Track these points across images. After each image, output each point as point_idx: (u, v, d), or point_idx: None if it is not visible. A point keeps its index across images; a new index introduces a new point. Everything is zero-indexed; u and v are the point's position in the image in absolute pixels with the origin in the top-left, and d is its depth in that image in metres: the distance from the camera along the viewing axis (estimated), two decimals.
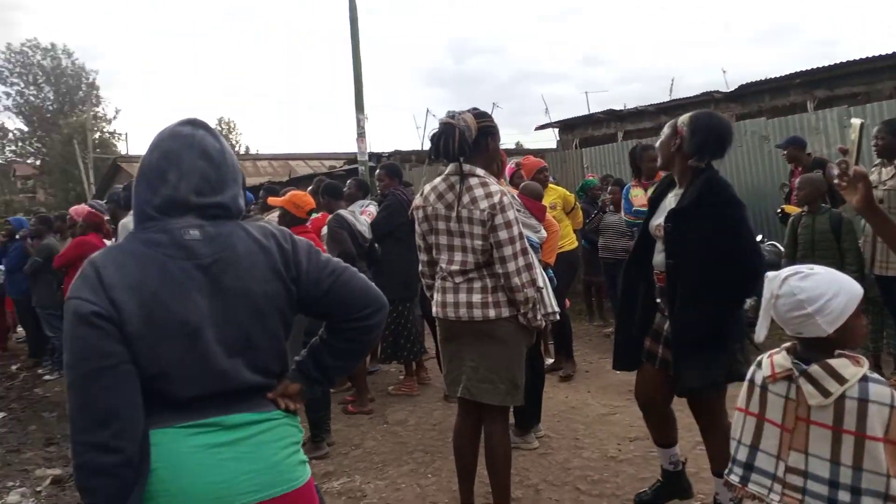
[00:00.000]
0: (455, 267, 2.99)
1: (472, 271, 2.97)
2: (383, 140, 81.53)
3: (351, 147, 13.82)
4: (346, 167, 14.24)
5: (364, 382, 5.36)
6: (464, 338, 3.04)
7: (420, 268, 3.27)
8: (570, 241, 5.85)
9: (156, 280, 1.40)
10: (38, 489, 4.37)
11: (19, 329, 9.49)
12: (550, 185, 5.79)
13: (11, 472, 4.72)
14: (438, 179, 3.07)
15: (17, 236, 8.31)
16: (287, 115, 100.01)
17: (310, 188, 5.78)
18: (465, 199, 2.91)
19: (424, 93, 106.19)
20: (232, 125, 50.27)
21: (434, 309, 3.13)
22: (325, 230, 5.32)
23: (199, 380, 1.43)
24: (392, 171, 5.78)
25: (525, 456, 4.07)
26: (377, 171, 5.61)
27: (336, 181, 5.83)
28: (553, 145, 15.05)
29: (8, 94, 45.13)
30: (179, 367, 1.41)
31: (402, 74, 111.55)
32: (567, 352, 5.88)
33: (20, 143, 48.01)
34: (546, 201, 4.87)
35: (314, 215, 5.33)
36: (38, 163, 46.82)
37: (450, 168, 3.01)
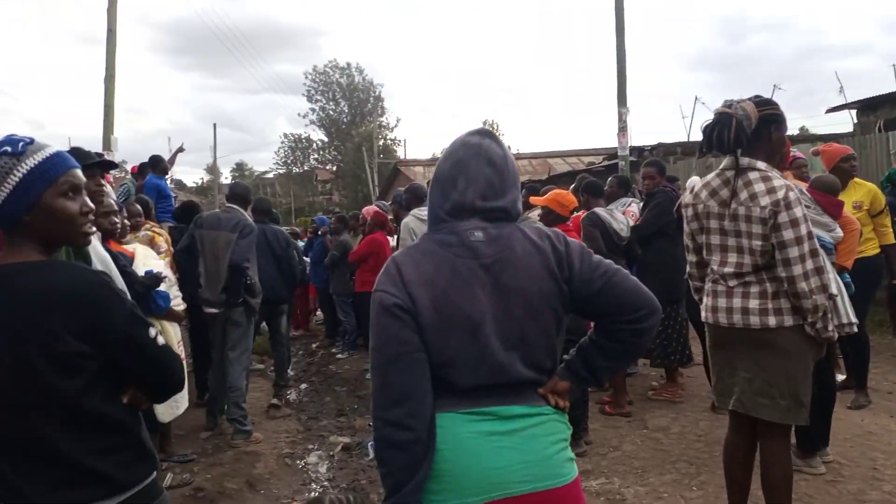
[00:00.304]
0: (728, 269, 2.77)
1: (749, 274, 2.73)
2: (645, 132, 78.22)
3: (610, 142, 13.51)
4: (606, 163, 13.97)
5: (623, 384, 5.24)
6: (737, 346, 2.80)
7: (688, 269, 3.09)
8: (873, 246, 4.98)
9: (446, 277, 1.56)
10: (332, 454, 5.03)
11: (318, 312, 11.06)
12: (856, 180, 4.99)
13: (310, 437, 5.51)
14: (712, 175, 2.87)
15: (320, 232, 9.68)
16: (546, 111, 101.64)
17: (573, 185, 5.80)
18: (743, 195, 2.68)
19: (691, 79, 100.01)
20: (495, 126, 52.68)
21: (703, 314, 2.93)
22: None
23: (479, 370, 1.56)
24: (661, 168, 5.58)
25: (808, 481, 3.62)
26: (642, 168, 5.43)
27: (596, 179, 5.76)
28: (848, 129, 13.07)
29: (313, 110, 52.80)
30: (463, 357, 1.55)
31: (666, 60, 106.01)
32: (860, 376, 5.02)
33: (321, 152, 55.92)
34: (848, 198, 4.23)
35: (576, 213, 5.36)
36: (334, 168, 54.09)
37: (725, 162, 2.79)
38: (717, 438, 4.38)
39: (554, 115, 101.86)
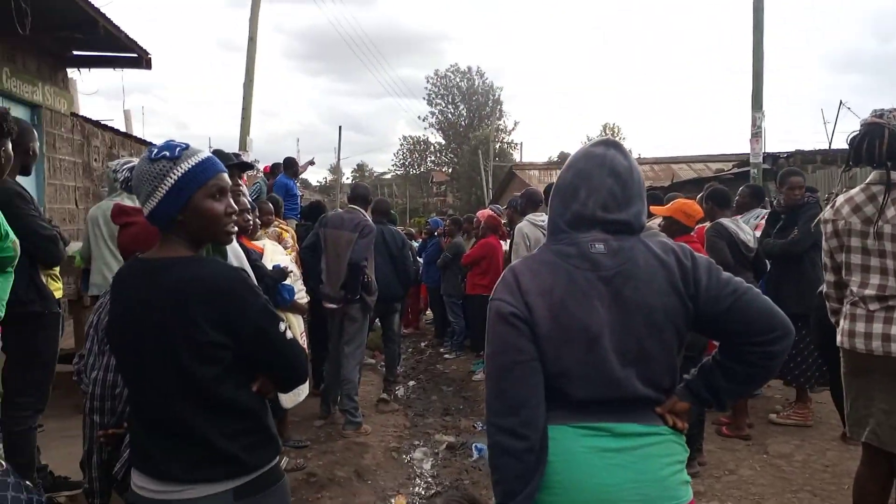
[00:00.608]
0: (869, 291, 2.56)
1: (893, 298, 2.51)
2: (780, 138, 73.53)
3: (741, 147, 12.75)
4: (736, 170, 13.21)
5: (744, 405, 4.95)
6: (876, 374, 2.59)
7: (824, 289, 2.89)
8: None
9: (563, 287, 1.55)
10: (436, 451, 5.13)
11: (428, 312, 11.28)
12: None
13: (416, 433, 5.63)
14: (856, 190, 2.66)
15: (435, 234, 9.87)
16: (672, 114, 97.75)
17: (700, 195, 5.53)
18: (890, 212, 2.47)
19: (836, 81, 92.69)
20: (616, 130, 51.36)
21: (840, 337, 2.73)
22: None
23: (595, 384, 1.53)
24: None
25: None
26: (790, 177, 4.94)
27: (724, 188, 5.46)
28: None
29: (432, 113, 53.91)
30: (578, 370, 1.53)
31: (808, 60, 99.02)
32: None
33: (438, 154, 56.98)
34: None
35: (700, 224, 5.12)
36: (449, 171, 54.90)
37: (872, 176, 2.59)
38: (846, 471, 4.06)
39: (680, 119, 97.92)
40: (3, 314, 2.52)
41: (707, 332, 1.64)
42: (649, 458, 1.53)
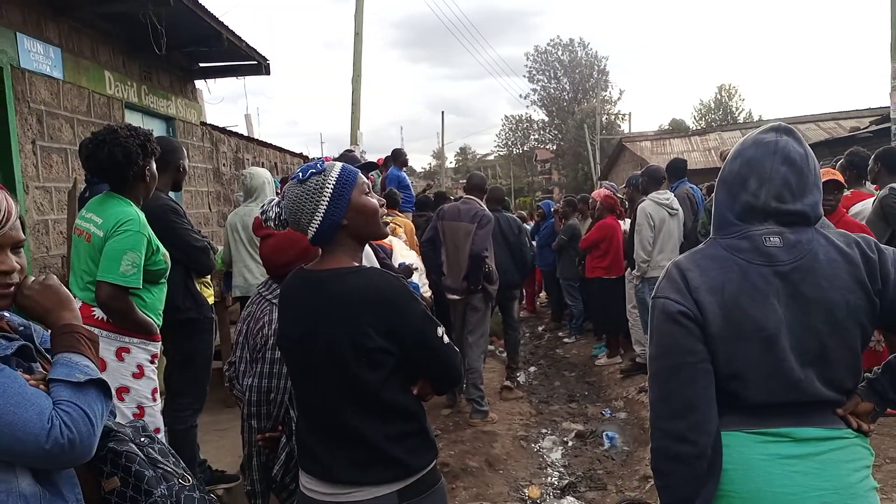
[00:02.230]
0: None
1: None
2: None
3: (879, 101, 11.62)
4: (874, 127, 12.08)
5: None
6: None
7: None
8: None
9: (736, 283, 1.46)
10: (565, 440, 5.11)
11: (542, 294, 11.20)
12: None
13: (543, 420, 5.63)
14: None
15: (550, 215, 9.72)
16: (796, 70, 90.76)
17: (839, 161, 5.09)
18: None
19: None
20: (733, 91, 48.39)
21: None
22: (854, 209, 4.66)
23: (772, 387, 1.45)
24: None
25: None
26: None
27: (893, 147, 4.91)
28: None
29: (534, 90, 53.04)
30: (753, 371, 1.46)
31: None
32: None
33: (541, 132, 56.11)
34: None
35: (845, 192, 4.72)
36: (554, 147, 53.95)
37: None
38: None
39: (806, 74, 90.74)
40: (161, 322, 2.74)
41: (895, 328, 1.53)
42: (834, 464, 1.44)
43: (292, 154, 12.70)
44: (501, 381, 6.45)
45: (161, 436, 2.67)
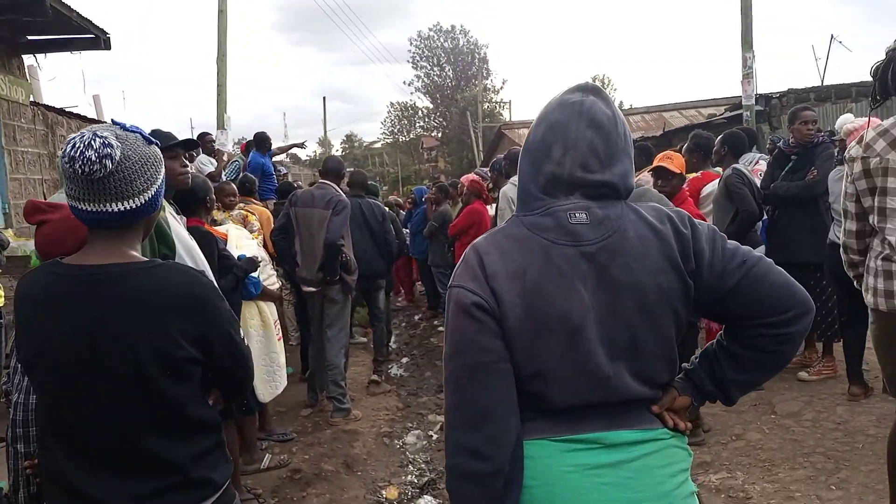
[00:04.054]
0: None
1: None
2: (771, 79, 72.20)
3: (733, 90, 12.37)
4: (729, 114, 12.84)
5: None
6: None
7: (842, 239, 2.61)
8: None
9: (538, 268, 1.25)
10: (430, 433, 4.92)
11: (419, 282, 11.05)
12: None
13: (409, 414, 5.42)
14: (890, 121, 2.37)
15: (421, 202, 9.54)
16: (661, 62, 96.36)
17: (685, 145, 5.22)
18: None
19: (825, 13, 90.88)
20: (607, 81, 50.55)
21: (869, 297, 2.46)
22: (705, 191, 4.78)
23: (579, 385, 1.25)
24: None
25: None
26: (801, 112, 4.51)
27: (737, 131, 5.08)
28: None
29: (418, 77, 52.88)
30: (558, 368, 1.25)
31: None
32: None
33: (426, 119, 56.14)
34: None
35: (691, 175, 4.84)
36: (439, 135, 54.16)
37: None
38: (858, 427, 3.85)
39: (670, 66, 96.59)
40: None
41: (710, 313, 1.38)
42: (648, 471, 1.26)
43: None
44: (370, 374, 6.19)
45: None
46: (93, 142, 1.32)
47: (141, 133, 1.44)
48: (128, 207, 1.38)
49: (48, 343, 1.40)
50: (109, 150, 1.32)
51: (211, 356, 1.47)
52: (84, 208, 1.37)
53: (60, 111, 8.21)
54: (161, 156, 1.48)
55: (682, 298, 1.29)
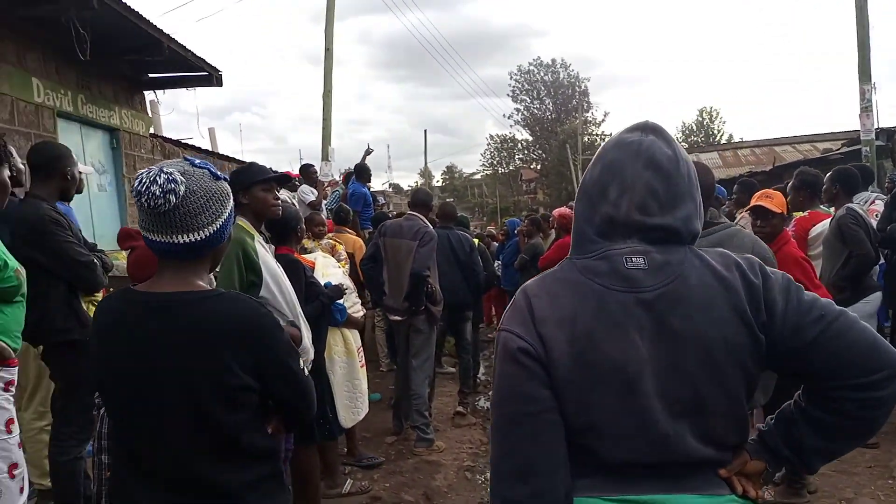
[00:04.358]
0: None
1: None
2: (894, 110, 67.07)
3: (851, 124, 11.60)
4: (846, 149, 12.05)
5: None
6: None
7: None
8: None
9: (591, 315, 1.19)
10: None
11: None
12: None
13: None
14: None
15: (514, 234, 9.48)
16: (774, 94, 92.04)
17: (791, 182, 4.88)
18: None
19: None
20: (714, 114, 48.84)
21: None
22: (814, 232, 4.44)
23: (635, 442, 1.17)
24: None
25: None
26: None
27: (849, 168, 4.74)
28: None
29: (518, 110, 53.21)
30: (611, 423, 1.17)
31: None
32: None
33: (525, 151, 56.20)
34: None
35: (798, 214, 4.52)
36: (538, 167, 54.02)
37: None
38: None
39: (783, 98, 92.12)
40: (19, 345, 2.44)
41: (785, 371, 1.25)
42: None
43: None
44: (457, 405, 6.14)
45: (19, 472, 2.35)
46: (158, 177, 1.38)
47: (209, 169, 1.50)
48: (193, 239, 1.43)
49: (114, 366, 1.47)
50: (173, 186, 1.38)
51: (267, 385, 1.48)
52: (153, 238, 1.44)
53: (177, 142, 8.85)
54: (229, 191, 1.53)
55: (751, 353, 1.18)
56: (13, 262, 2.37)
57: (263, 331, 1.47)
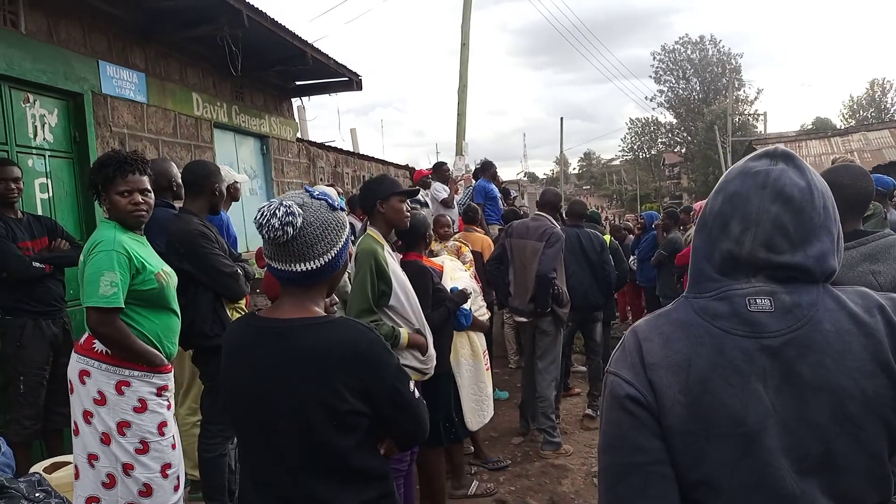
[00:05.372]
0: None
1: None
2: None
3: None
4: None
5: None
6: None
7: None
8: None
9: (706, 360, 1.10)
10: None
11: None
12: None
13: None
14: None
15: (652, 228, 9.08)
16: None
17: None
18: None
19: None
20: (887, 86, 43.81)
21: None
22: None
23: (755, 501, 1.07)
24: None
25: None
26: None
27: None
28: None
29: (661, 92, 50.82)
30: (729, 479, 1.08)
31: None
32: None
33: (669, 135, 53.61)
34: None
35: None
36: (683, 151, 51.33)
37: None
38: None
39: None
40: (173, 352, 2.69)
41: None
42: None
43: (396, 166, 12.84)
44: (586, 407, 6.03)
45: (173, 471, 2.60)
46: (277, 210, 1.47)
47: (327, 200, 1.57)
48: (309, 268, 1.51)
49: (235, 388, 1.59)
50: (291, 219, 1.46)
51: (377, 409, 1.53)
52: (275, 266, 1.55)
53: (321, 145, 9.35)
54: (345, 221, 1.60)
55: (894, 406, 1.05)
56: (155, 266, 2.60)
57: (373, 357, 1.52)
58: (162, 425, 2.59)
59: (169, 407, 2.66)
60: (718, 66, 48.61)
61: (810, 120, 44.09)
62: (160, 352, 2.61)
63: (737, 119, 40.49)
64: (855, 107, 44.87)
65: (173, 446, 2.64)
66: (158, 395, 2.59)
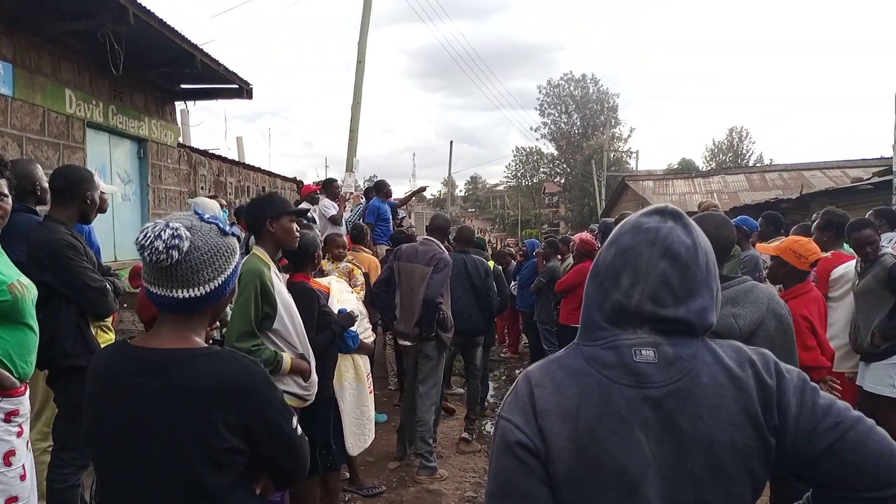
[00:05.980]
0: None
1: None
2: None
3: (886, 151, 11.32)
4: (876, 179, 11.75)
5: None
6: None
7: None
8: None
9: (595, 409, 1.14)
10: None
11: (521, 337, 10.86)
12: None
13: None
14: None
15: (532, 255, 9.43)
16: (806, 115, 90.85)
17: (816, 222, 4.78)
18: None
19: None
20: (744, 133, 48.37)
21: None
22: (835, 273, 4.33)
23: None
24: None
25: None
26: None
27: (835, 210, 4.69)
28: None
29: (545, 124, 53.18)
30: None
31: None
32: None
33: (550, 165, 56.12)
34: None
35: (824, 254, 4.40)
36: (561, 181, 53.89)
37: None
38: None
39: (815, 121, 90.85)
40: (27, 373, 2.46)
41: (796, 477, 1.19)
42: None
43: (283, 178, 12.54)
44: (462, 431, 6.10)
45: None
46: (163, 233, 1.38)
47: (218, 224, 1.49)
48: (192, 295, 1.43)
49: (103, 420, 1.47)
50: (177, 242, 1.38)
51: (258, 447, 1.46)
52: (154, 291, 1.44)
53: (204, 152, 8.96)
54: (235, 246, 1.52)
55: (760, 457, 1.13)
56: (8, 277, 2.36)
57: (255, 391, 1.44)
58: (8, 454, 2.34)
59: (20, 433, 2.42)
60: (598, 103, 51.60)
61: (676, 160, 47.61)
62: (11, 372, 2.37)
63: (612, 155, 43.08)
64: (716, 150, 49.04)
65: (22, 477, 2.39)
66: (7, 420, 2.35)
